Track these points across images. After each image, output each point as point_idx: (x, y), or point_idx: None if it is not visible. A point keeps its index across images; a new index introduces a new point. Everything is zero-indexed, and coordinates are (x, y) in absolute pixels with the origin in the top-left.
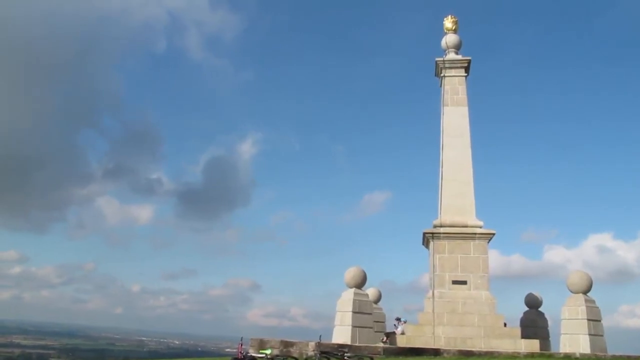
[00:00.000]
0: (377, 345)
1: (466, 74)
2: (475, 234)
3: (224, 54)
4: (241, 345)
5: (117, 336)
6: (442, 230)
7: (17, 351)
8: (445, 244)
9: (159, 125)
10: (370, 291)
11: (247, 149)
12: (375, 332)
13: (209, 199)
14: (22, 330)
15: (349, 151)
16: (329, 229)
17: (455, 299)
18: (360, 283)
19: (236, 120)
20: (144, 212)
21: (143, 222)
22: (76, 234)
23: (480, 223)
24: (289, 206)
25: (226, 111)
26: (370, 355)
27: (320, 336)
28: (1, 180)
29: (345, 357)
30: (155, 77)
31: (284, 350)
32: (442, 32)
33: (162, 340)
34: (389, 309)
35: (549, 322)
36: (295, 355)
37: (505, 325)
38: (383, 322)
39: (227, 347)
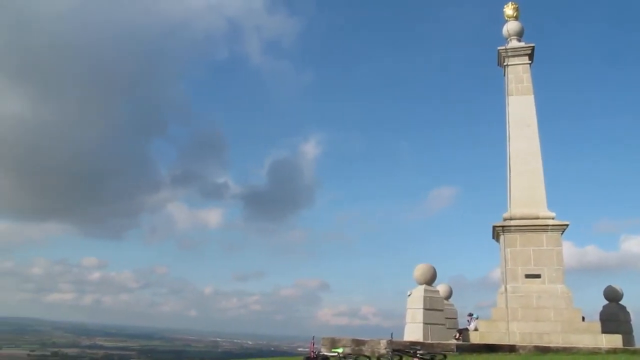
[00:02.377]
0: (449, 342)
1: (530, 62)
2: (547, 225)
3: (283, 56)
4: (313, 344)
5: (193, 337)
6: (512, 223)
7: (100, 352)
8: (516, 237)
9: (225, 131)
10: (441, 287)
11: (310, 149)
12: (448, 328)
13: (274, 200)
14: (104, 332)
15: (413, 148)
16: (396, 226)
17: (529, 293)
18: (430, 279)
19: (299, 121)
20: (212, 216)
21: (212, 226)
22: (150, 239)
23: (553, 214)
24: (354, 205)
25: (289, 113)
26: (443, 352)
27: (392, 334)
28: (80, 191)
29: (418, 355)
30: (218, 84)
31: (356, 348)
32: (502, 20)
33: (235, 340)
34: (461, 305)
35: (632, 316)
36: (367, 353)
37: (583, 319)
38: (455, 318)
39: (300, 347)
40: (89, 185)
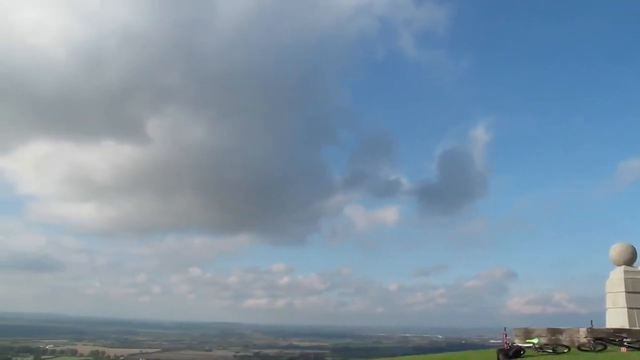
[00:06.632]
0: None
1: None
2: None
3: (439, 46)
4: (505, 335)
5: (382, 334)
6: None
7: (297, 352)
8: None
9: (391, 128)
10: None
11: (479, 135)
12: None
13: (448, 192)
14: (297, 333)
15: (590, 119)
16: (581, 205)
17: None
18: (630, 259)
19: (465, 108)
20: (388, 214)
21: (389, 224)
22: (331, 242)
23: None
24: (533, 188)
25: (453, 102)
26: None
27: (592, 321)
28: (262, 203)
29: (625, 343)
30: (379, 83)
31: (552, 338)
32: None
33: (424, 335)
34: None
35: None
36: (565, 343)
37: None
38: None
39: (491, 339)
40: (270, 196)
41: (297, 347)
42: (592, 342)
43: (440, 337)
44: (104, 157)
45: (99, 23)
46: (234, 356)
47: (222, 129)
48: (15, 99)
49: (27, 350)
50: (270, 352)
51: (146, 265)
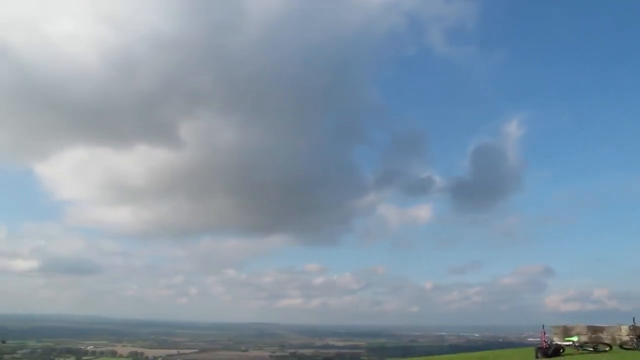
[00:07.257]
0: None
1: None
2: None
3: (469, 41)
4: (544, 333)
5: (418, 333)
6: None
7: (332, 352)
8: None
9: (423, 126)
10: None
11: (513, 130)
12: None
13: (481, 189)
14: (333, 333)
15: (628, 111)
16: (621, 199)
17: None
18: None
19: (497, 104)
20: (422, 212)
21: (423, 222)
22: (364, 242)
23: None
24: (569, 182)
25: (485, 97)
26: None
27: (634, 318)
28: (294, 204)
29: None
30: (409, 81)
31: (593, 336)
32: None
33: (461, 334)
34: None
35: None
36: (606, 341)
37: None
38: None
39: (529, 337)
40: (302, 197)
41: (333, 346)
42: (635, 340)
43: (476, 335)
44: (139, 161)
45: (131, 30)
46: (270, 356)
47: (254, 130)
48: (51, 107)
49: (69, 352)
50: (306, 352)
51: (182, 267)
